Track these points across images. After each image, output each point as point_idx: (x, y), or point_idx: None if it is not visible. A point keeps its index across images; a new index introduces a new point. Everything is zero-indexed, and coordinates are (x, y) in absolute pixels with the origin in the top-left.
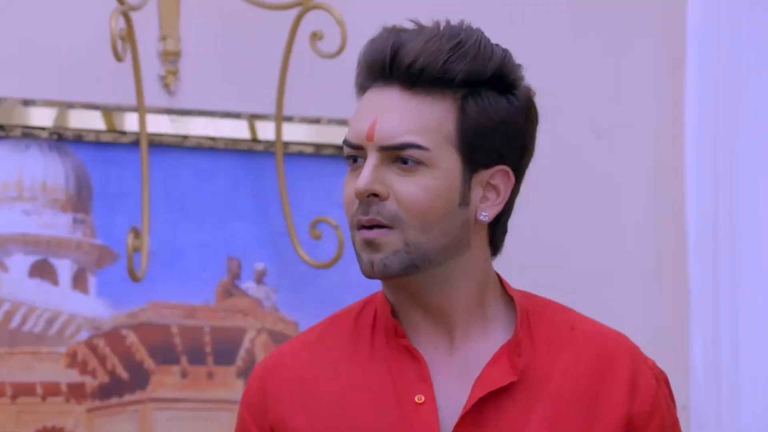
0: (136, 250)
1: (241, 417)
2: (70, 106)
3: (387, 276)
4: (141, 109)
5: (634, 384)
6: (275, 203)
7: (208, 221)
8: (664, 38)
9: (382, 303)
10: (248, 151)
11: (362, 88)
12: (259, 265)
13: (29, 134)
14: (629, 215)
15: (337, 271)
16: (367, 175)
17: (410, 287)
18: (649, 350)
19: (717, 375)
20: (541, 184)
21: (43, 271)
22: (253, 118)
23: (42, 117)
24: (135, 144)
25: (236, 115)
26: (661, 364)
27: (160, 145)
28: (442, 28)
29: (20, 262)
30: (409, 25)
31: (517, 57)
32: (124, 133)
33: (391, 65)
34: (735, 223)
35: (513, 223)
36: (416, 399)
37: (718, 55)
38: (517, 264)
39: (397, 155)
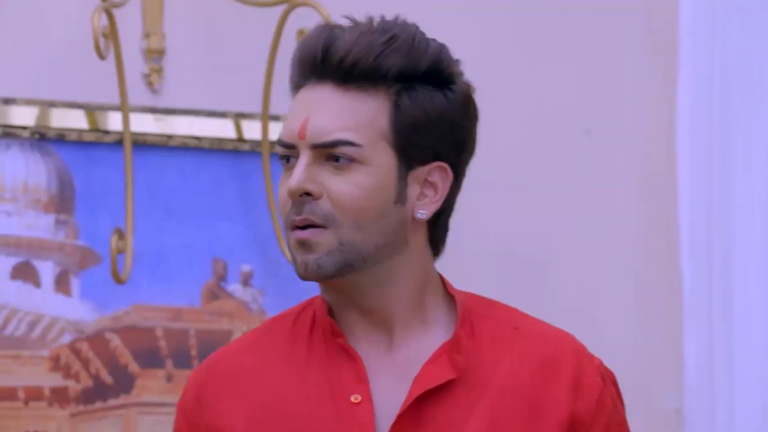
0: (120, 251)
1: (176, 421)
2: (52, 104)
3: (321, 277)
4: (124, 108)
5: (579, 383)
6: (261, 203)
7: (193, 222)
8: (656, 36)
9: (320, 304)
10: (234, 150)
11: (296, 86)
12: (246, 267)
13: (10, 134)
14: (621, 215)
15: None
16: (299, 174)
17: (346, 288)
18: (643, 353)
19: (710, 378)
20: (531, 183)
21: (25, 273)
22: (238, 117)
23: (23, 116)
24: (118, 143)
25: (222, 114)
26: (655, 367)
27: (144, 144)
28: (375, 23)
29: (1, 264)
30: (345, 22)
31: (506, 55)
32: (107, 132)
33: (323, 62)
34: (728, 224)
35: (503, 222)
36: (353, 399)
37: (711, 53)
38: (506, 265)
39: (330, 153)
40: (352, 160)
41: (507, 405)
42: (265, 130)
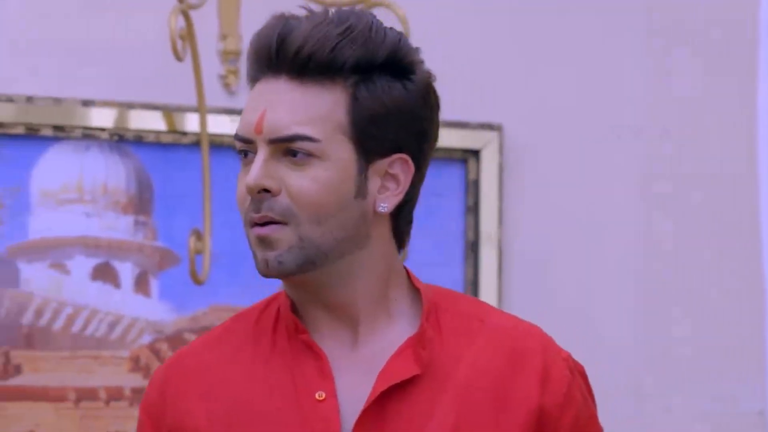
0: (198, 252)
1: (139, 420)
2: (131, 106)
3: (283, 274)
4: (201, 109)
5: (546, 376)
6: None
7: None
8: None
9: (283, 300)
10: None
11: (253, 79)
12: None
13: (89, 135)
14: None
15: None
16: (256, 170)
17: (309, 284)
18: (726, 353)
19: None
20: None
21: (105, 274)
22: None
23: (102, 118)
24: (196, 144)
25: None
26: (738, 368)
27: (221, 145)
28: (331, 14)
29: (82, 265)
30: (300, 12)
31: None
32: (184, 133)
33: (278, 54)
34: None
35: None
36: (317, 396)
37: None
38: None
39: (287, 148)
40: (310, 155)
41: (473, 399)
42: None
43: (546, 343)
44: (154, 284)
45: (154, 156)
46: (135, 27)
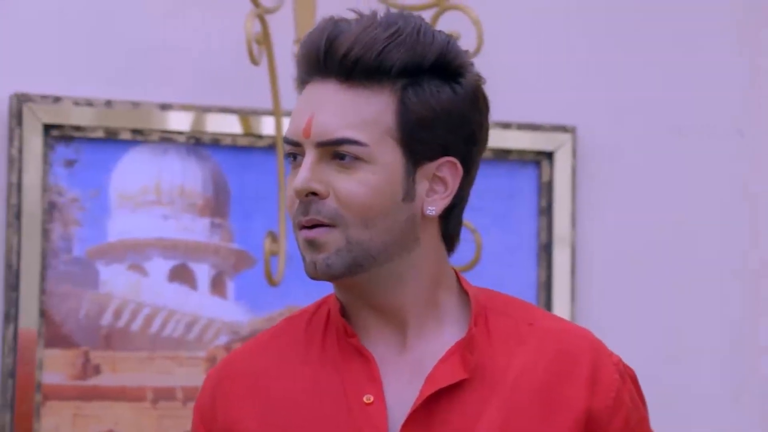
0: (274, 254)
1: (193, 422)
2: (207, 110)
3: (331, 276)
4: (277, 112)
5: (596, 379)
6: None
7: None
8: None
9: (333, 303)
10: None
11: (302, 83)
12: None
13: (167, 139)
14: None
15: (475, 275)
16: (304, 173)
17: (357, 287)
18: None
19: None
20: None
21: (182, 275)
22: None
23: (179, 121)
24: (271, 147)
25: None
26: None
27: None
28: (380, 17)
29: (159, 267)
30: (350, 16)
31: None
32: (260, 136)
33: (326, 58)
34: None
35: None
36: (365, 399)
37: None
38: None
39: (335, 151)
40: (357, 158)
41: (520, 403)
42: None
43: (595, 347)
44: (230, 285)
45: (230, 159)
46: (212, 31)
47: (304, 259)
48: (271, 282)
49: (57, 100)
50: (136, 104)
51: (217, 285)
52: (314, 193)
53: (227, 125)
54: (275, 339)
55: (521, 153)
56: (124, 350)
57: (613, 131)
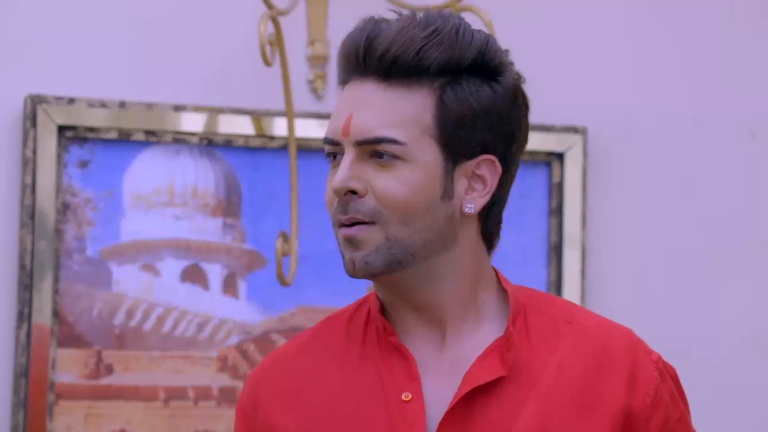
0: (285, 254)
1: (235, 421)
2: (220, 111)
3: (370, 274)
4: (289, 113)
5: (635, 377)
6: None
7: None
8: None
9: (373, 301)
10: None
11: (342, 82)
12: None
13: (180, 140)
14: None
15: None
16: (343, 172)
17: (397, 285)
18: None
19: None
20: (696, 186)
21: (194, 275)
22: None
23: (192, 122)
24: (283, 148)
25: None
26: None
27: (308, 149)
28: (419, 17)
29: (172, 267)
30: (391, 16)
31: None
32: (272, 137)
33: (365, 57)
34: None
35: (672, 224)
36: (403, 397)
37: None
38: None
39: (373, 150)
40: (395, 157)
41: (558, 400)
42: None
43: (635, 345)
44: (242, 286)
45: (242, 160)
46: (225, 33)
47: (343, 257)
48: (283, 282)
49: (71, 101)
50: (149, 105)
51: (229, 285)
52: (353, 192)
53: (240, 126)
54: (314, 338)
55: (532, 154)
56: (136, 350)
57: (624, 132)
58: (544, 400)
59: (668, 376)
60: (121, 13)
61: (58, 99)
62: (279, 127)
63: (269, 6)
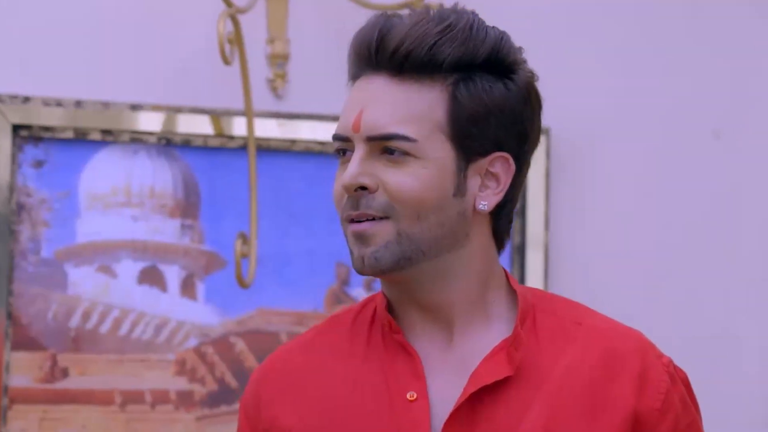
0: (245, 256)
1: (238, 419)
2: (178, 110)
3: (379, 271)
4: (249, 113)
5: (644, 380)
6: None
7: (316, 227)
8: None
9: (380, 299)
10: None
11: (353, 77)
12: None
13: (137, 139)
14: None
15: None
16: (354, 168)
17: (405, 282)
18: None
19: None
20: (661, 187)
21: (151, 277)
22: None
23: (150, 122)
24: (243, 148)
25: None
26: None
27: (268, 149)
28: (432, 12)
29: (129, 268)
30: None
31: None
32: (232, 137)
33: (377, 53)
34: None
35: (636, 224)
36: (408, 396)
37: None
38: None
39: (384, 146)
40: (406, 153)
41: (566, 401)
42: None
43: (645, 347)
44: (200, 287)
45: (201, 160)
46: (183, 31)
47: (351, 253)
48: (242, 284)
49: (26, 100)
50: (106, 104)
51: (187, 287)
52: (363, 188)
53: (198, 126)
54: (319, 336)
55: None
56: (92, 353)
57: (587, 133)
58: (551, 401)
59: (679, 379)
60: (77, 11)
61: (13, 98)
62: (238, 127)
63: (228, 4)
